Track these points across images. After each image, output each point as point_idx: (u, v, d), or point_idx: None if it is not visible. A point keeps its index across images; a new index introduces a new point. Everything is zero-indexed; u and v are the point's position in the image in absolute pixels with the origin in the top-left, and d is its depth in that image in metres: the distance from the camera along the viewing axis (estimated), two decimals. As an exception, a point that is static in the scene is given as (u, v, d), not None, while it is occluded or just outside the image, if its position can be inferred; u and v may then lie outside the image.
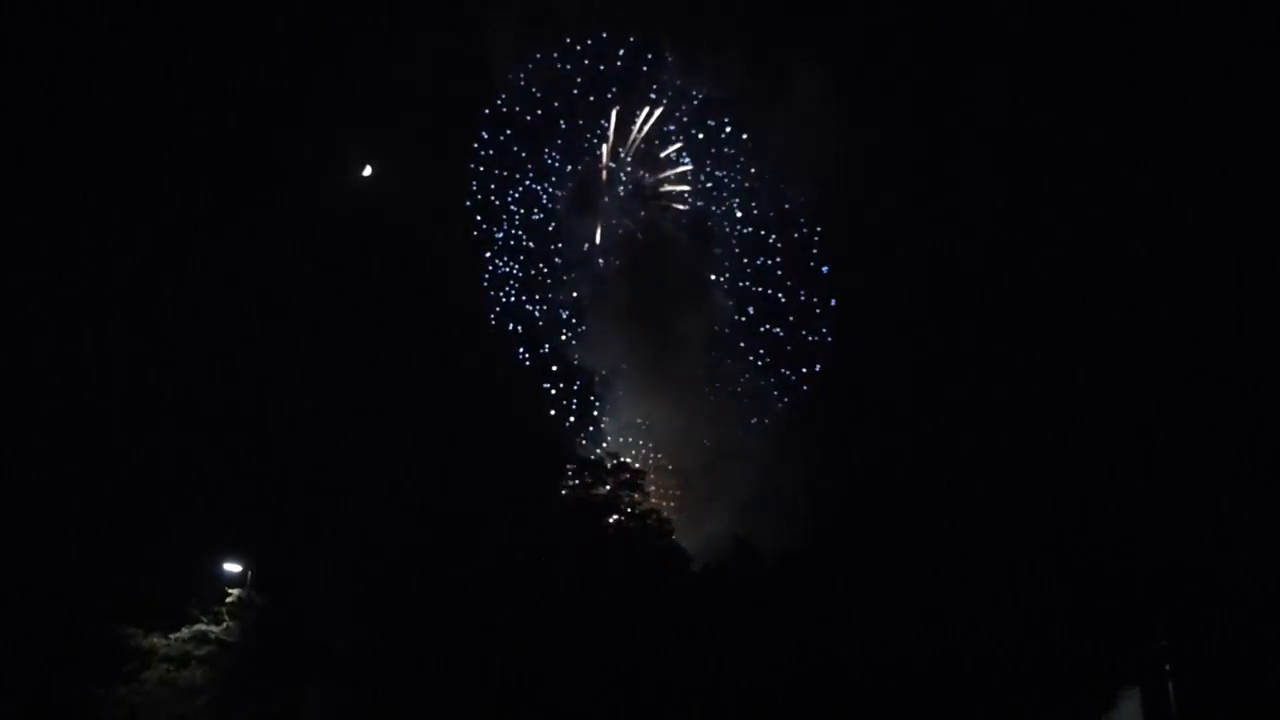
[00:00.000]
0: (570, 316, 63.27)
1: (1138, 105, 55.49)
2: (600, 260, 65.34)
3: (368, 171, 48.34)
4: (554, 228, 63.95)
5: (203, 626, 35.21)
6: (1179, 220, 52.00)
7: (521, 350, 58.23)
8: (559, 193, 64.76)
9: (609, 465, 45.02)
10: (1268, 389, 46.49)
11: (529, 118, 63.46)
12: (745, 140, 65.79)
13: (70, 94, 38.75)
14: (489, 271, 59.16)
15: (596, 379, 63.07)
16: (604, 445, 59.62)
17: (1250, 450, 45.38)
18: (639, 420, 63.87)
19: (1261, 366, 47.09)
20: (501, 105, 62.79)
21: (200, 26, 43.24)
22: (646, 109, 64.60)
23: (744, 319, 64.94)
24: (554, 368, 60.62)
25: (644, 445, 63.74)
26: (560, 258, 63.79)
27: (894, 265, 59.12)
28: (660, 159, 66.15)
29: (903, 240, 58.31)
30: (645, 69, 64.70)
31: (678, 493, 61.69)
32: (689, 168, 66.16)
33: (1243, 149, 51.36)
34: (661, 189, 66.40)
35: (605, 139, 65.01)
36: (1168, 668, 42.65)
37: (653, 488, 49.49)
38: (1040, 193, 56.20)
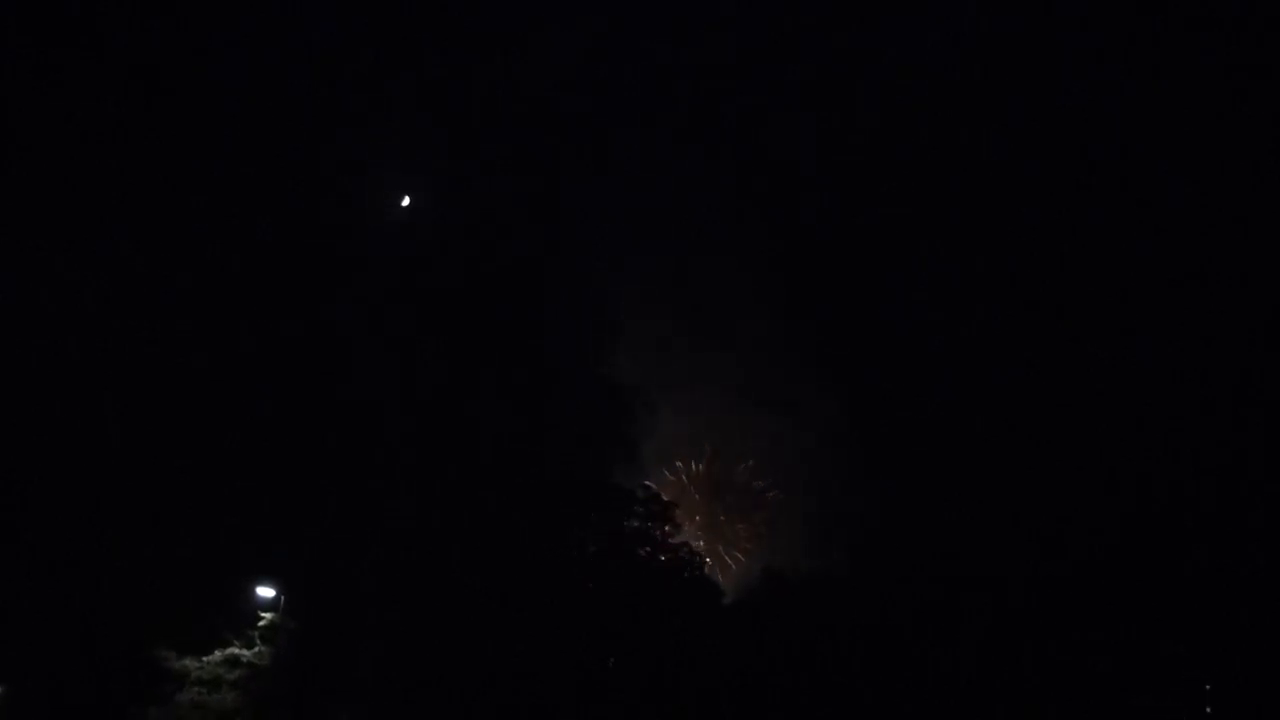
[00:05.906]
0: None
1: (1137, 106, 55.33)
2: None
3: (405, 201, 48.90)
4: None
5: (235, 650, 35.64)
6: (1182, 218, 51.63)
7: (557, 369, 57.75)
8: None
9: (640, 496, 44.88)
10: None
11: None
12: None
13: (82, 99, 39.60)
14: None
15: (636, 398, 62.71)
16: (651, 457, 58.98)
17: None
18: (680, 439, 63.55)
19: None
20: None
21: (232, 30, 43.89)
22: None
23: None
24: (592, 388, 60.12)
25: (683, 467, 63.73)
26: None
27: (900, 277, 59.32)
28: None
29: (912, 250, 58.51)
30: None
31: (718, 517, 61.96)
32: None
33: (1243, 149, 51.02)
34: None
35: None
36: (1209, 710, 42.00)
37: (680, 511, 48.98)
38: (1046, 194, 56.16)
